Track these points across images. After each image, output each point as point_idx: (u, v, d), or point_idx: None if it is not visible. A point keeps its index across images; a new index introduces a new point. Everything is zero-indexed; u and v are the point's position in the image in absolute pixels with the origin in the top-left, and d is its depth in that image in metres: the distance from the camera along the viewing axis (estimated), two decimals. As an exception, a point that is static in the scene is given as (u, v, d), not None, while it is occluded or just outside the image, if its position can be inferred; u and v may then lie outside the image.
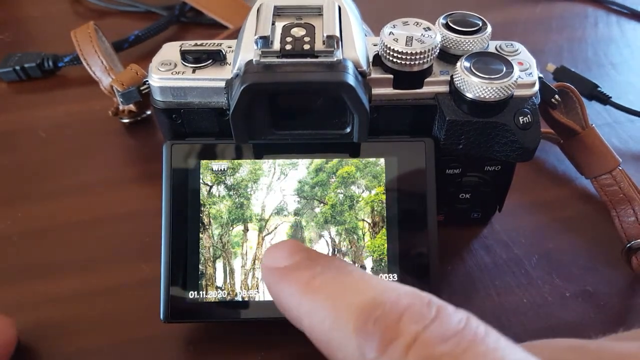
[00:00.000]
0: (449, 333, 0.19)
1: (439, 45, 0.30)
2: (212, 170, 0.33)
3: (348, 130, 0.31)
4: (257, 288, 0.32)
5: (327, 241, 0.33)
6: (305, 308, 0.23)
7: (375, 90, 0.31)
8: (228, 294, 0.32)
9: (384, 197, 0.33)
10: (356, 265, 0.32)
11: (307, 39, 0.28)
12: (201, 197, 0.33)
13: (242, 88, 0.27)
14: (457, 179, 0.36)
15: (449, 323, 0.19)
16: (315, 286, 0.23)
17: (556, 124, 0.40)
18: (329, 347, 0.22)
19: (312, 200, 0.33)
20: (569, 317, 0.35)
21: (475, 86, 0.29)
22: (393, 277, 0.32)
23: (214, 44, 0.32)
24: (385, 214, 0.33)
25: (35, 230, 0.41)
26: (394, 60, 0.30)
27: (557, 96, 0.38)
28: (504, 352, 0.18)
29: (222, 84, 0.31)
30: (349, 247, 0.32)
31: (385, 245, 0.32)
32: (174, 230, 0.32)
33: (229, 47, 0.32)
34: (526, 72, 0.32)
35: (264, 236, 0.33)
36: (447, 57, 0.32)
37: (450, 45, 0.32)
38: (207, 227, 0.33)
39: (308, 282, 0.23)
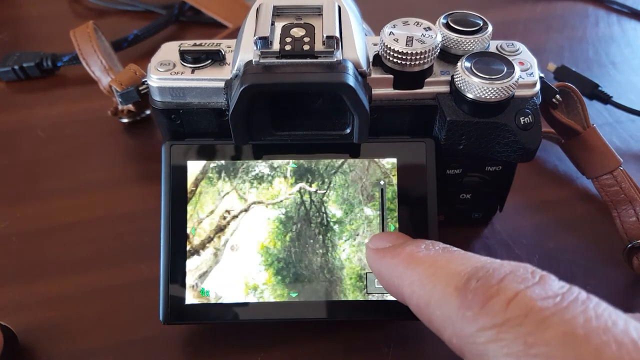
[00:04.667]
0: (550, 293, 0.19)
1: (439, 45, 0.30)
2: (212, 171, 0.33)
3: (348, 130, 0.31)
4: (257, 289, 0.32)
5: (327, 241, 0.32)
6: (406, 276, 0.24)
7: (376, 91, 0.31)
8: (227, 295, 0.32)
9: (384, 197, 0.33)
10: (356, 266, 0.32)
11: (306, 39, 0.28)
12: (200, 198, 0.33)
13: (241, 89, 0.27)
14: (458, 179, 0.36)
15: (551, 286, 0.20)
16: (418, 258, 0.24)
17: (557, 124, 0.40)
18: (428, 309, 0.22)
19: (312, 200, 0.33)
20: (569, 318, 0.35)
21: (476, 86, 0.29)
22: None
23: (213, 43, 0.32)
24: (385, 215, 0.32)
25: (34, 230, 0.41)
26: (394, 60, 0.30)
27: (558, 96, 0.37)
28: (604, 312, 0.19)
29: (222, 84, 0.31)
30: (349, 247, 0.32)
31: (386, 246, 0.32)
32: (173, 231, 0.32)
33: (228, 47, 0.32)
34: (527, 72, 0.31)
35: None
36: (448, 57, 0.32)
37: (451, 45, 0.31)
38: (207, 227, 0.32)
39: (411, 255, 0.24)
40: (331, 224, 0.32)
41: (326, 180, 0.33)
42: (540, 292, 0.19)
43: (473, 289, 0.20)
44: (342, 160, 0.33)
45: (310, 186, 0.33)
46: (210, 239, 0.32)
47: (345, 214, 0.33)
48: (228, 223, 0.33)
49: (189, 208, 0.32)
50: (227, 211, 0.33)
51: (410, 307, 0.24)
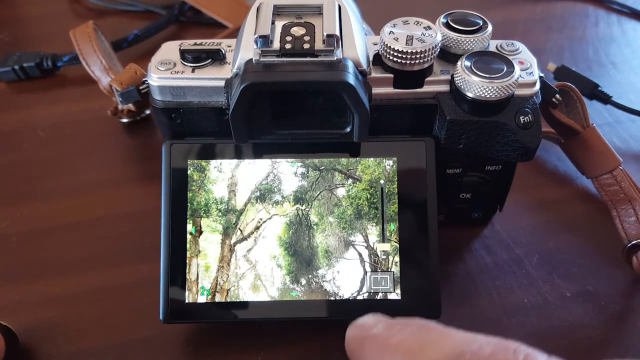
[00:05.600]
0: None
1: (439, 45, 0.30)
2: (212, 170, 0.33)
3: (348, 129, 0.31)
4: (257, 289, 0.32)
5: (327, 241, 0.32)
6: None
7: (376, 90, 0.31)
8: (227, 294, 0.32)
9: (384, 197, 0.33)
10: (356, 265, 0.32)
11: (307, 38, 0.28)
12: (201, 197, 0.33)
13: (241, 87, 0.27)
14: (458, 178, 0.36)
15: None
16: (393, 344, 0.22)
17: (557, 124, 0.40)
18: None
19: (311, 200, 0.33)
20: (569, 317, 0.35)
21: (476, 85, 0.29)
22: (392, 276, 0.32)
23: (214, 43, 0.32)
24: (385, 214, 0.32)
25: (34, 230, 0.41)
26: (395, 59, 0.30)
27: (557, 95, 0.37)
28: None
29: (222, 83, 0.31)
30: (349, 247, 0.32)
31: (387, 245, 0.32)
32: (173, 231, 0.32)
33: (228, 47, 0.32)
34: (527, 71, 0.31)
35: (264, 236, 0.33)
36: (448, 56, 0.32)
37: (451, 44, 0.31)
38: (207, 227, 0.32)
39: (386, 342, 0.22)
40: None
41: (326, 179, 0.33)
42: None
43: None
44: (342, 159, 0.33)
45: (312, 186, 0.33)
46: (210, 238, 0.32)
47: (345, 214, 0.33)
48: (229, 222, 0.33)
49: (189, 207, 0.32)
50: (228, 210, 0.33)
51: None
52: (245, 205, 0.33)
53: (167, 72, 0.31)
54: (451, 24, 0.32)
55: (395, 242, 0.32)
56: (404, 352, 0.21)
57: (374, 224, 0.32)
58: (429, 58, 0.30)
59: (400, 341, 0.22)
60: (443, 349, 0.20)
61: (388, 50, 0.30)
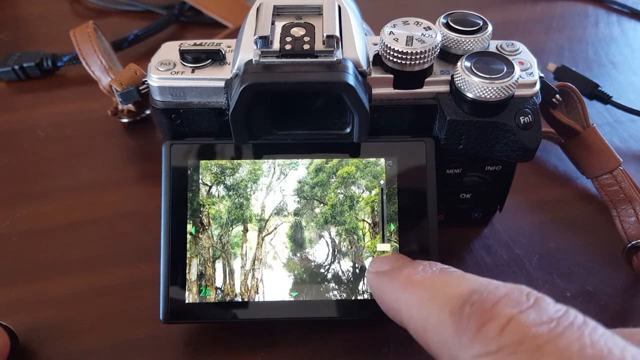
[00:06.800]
0: (545, 318, 0.19)
1: (439, 45, 0.30)
2: (212, 171, 0.33)
3: (348, 130, 0.31)
4: (257, 289, 0.32)
5: (327, 241, 0.33)
6: (404, 300, 0.24)
7: (376, 90, 0.31)
8: (227, 294, 0.32)
9: (384, 197, 0.33)
10: (356, 266, 0.32)
11: (306, 38, 0.28)
12: (200, 197, 0.33)
13: (241, 88, 0.27)
14: (458, 178, 0.36)
15: (546, 310, 0.19)
16: (415, 281, 0.24)
17: (557, 124, 0.40)
18: (425, 334, 0.22)
19: (312, 200, 0.33)
20: (569, 318, 0.35)
21: (476, 86, 0.29)
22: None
23: (213, 43, 0.32)
24: (385, 214, 0.32)
25: (34, 230, 0.41)
26: (395, 60, 0.30)
27: (557, 96, 0.37)
28: (600, 339, 0.18)
29: (222, 83, 0.31)
30: (349, 247, 0.32)
31: (387, 245, 0.32)
32: (173, 231, 0.32)
33: (228, 47, 0.32)
34: (527, 71, 0.31)
35: (264, 236, 0.33)
36: (448, 56, 0.32)
37: (451, 44, 0.31)
38: (207, 227, 0.32)
39: (408, 278, 0.25)
40: (331, 223, 0.33)
41: (326, 179, 0.33)
42: (534, 317, 0.19)
43: (467, 314, 0.20)
44: (342, 159, 0.33)
45: (312, 186, 0.33)
46: (210, 238, 0.32)
47: (345, 214, 0.33)
48: (228, 221, 0.33)
49: (189, 207, 0.32)
50: (228, 209, 0.33)
51: (409, 331, 0.24)
52: (248, 206, 0.33)
53: (167, 72, 0.31)
54: (451, 24, 0.32)
55: (395, 242, 0.32)
56: (426, 288, 0.24)
57: (374, 225, 0.32)
58: (429, 58, 0.30)
59: (423, 278, 0.24)
60: (462, 287, 0.22)
61: (388, 51, 0.30)
